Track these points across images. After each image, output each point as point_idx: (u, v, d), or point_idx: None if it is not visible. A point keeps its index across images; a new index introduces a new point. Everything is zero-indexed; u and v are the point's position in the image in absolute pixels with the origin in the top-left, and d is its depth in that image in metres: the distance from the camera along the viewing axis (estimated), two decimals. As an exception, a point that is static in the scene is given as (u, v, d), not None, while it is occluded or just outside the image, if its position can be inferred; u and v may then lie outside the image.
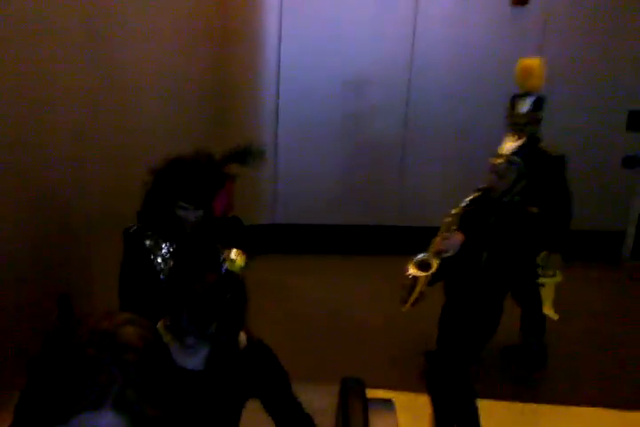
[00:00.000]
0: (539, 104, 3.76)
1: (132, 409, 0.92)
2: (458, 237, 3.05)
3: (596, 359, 4.22)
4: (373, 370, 3.52)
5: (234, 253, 2.76)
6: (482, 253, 3.02)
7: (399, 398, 3.24)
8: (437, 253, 3.07)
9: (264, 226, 5.71)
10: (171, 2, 4.49)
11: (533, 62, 3.84)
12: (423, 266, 3.07)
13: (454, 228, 3.08)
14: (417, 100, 5.71)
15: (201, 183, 2.59)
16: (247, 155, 3.08)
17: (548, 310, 4.79)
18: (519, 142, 3.10)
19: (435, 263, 3.04)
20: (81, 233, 3.52)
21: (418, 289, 3.06)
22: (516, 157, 3.04)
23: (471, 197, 3.10)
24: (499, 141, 3.30)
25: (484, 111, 5.47)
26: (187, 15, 4.68)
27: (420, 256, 3.11)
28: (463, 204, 3.09)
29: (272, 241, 5.56)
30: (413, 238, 4.94)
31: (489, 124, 5.17)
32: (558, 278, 4.72)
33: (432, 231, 3.27)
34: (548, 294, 4.78)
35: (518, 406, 3.61)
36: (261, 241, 4.84)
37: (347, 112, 5.70)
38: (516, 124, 3.69)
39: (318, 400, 3.14)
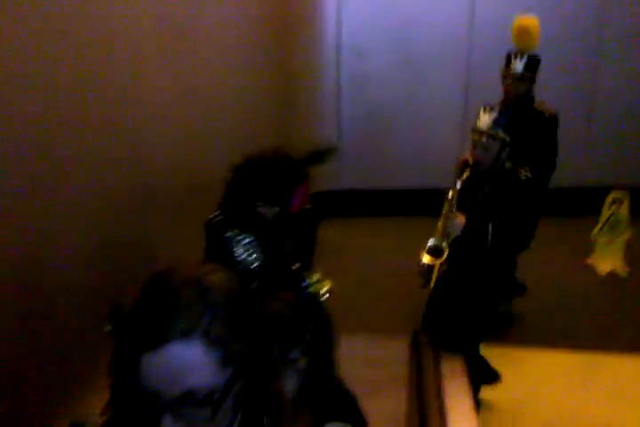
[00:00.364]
0: (534, 64, 3.70)
1: (219, 343, 0.96)
2: (461, 219, 3.04)
3: None
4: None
5: (317, 276, 2.83)
6: (486, 225, 3.03)
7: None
8: (445, 237, 3.05)
9: (331, 192, 5.88)
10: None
11: (530, 21, 3.74)
12: (435, 252, 3.05)
13: (454, 209, 3.05)
14: (475, 82, 5.80)
15: (277, 184, 2.65)
16: (323, 155, 3.13)
17: (618, 267, 4.87)
18: (493, 115, 3.04)
19: (446, 248, 3.01)
20: (167, 223, 3.69)
21: (435, 275, 3.04)
22: (497, 131, 3.03)
23: (464, 177, 3.05)
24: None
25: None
26: (253, 9, 4.83)
27: (431, 243, 3.07)
28: (458, 185, 3.06)
29: (339, 205, 5.75)
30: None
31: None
32: (627, 235, 4.81)
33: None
34: (616, 252, 4.87)
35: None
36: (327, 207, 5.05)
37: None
38: (511, 83, 3.69)
39: (391, 350, 3.32)
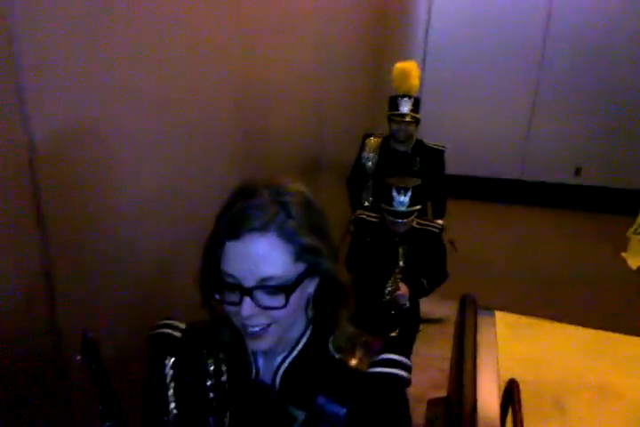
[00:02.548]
0: (417, 105, 3.68)
1: (293, 238, 1.04)
2: (405, 290, 3.03)
3: None
4: (492, 294, 4.28)
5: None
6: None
7: (504, 316, 4.09)
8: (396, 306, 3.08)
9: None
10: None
11: (410, 65, 3.69)
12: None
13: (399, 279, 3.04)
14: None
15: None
16: None
17: (632, 262, 5.40)
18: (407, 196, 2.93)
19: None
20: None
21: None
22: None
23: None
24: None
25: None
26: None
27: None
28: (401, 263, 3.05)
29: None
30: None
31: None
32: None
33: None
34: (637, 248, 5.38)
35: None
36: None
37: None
38: (401, 122, 3.64)
39: (443, 311, 4.02)
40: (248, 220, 1.02)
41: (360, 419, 1.12)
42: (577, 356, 3.92)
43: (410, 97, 3.62)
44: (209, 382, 1.16)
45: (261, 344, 1.10)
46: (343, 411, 1.11)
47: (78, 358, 1.19)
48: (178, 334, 1.23)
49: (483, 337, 2.90)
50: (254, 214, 1.02)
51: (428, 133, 6.28)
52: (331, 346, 1.18)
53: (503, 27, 6.16)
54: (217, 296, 1.09)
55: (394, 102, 3.63)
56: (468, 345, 2.94)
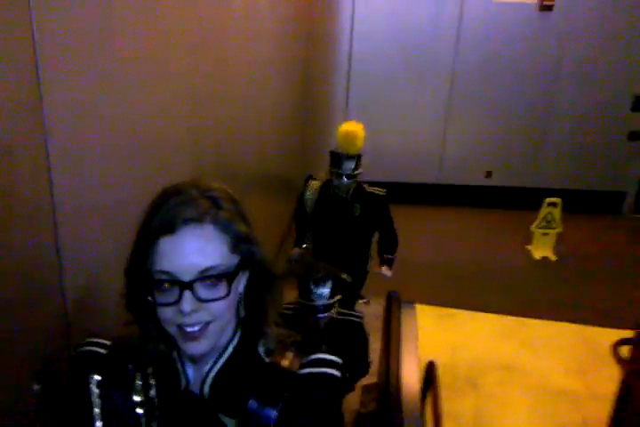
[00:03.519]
0: (359, 161, 3.68)
1: (228, 227, 1.05)
2: None
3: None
4: (415, 289, 4.71)
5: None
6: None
7: (423, 308, 4.55)
8: None
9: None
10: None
11: (356, 129, 3.69)
12: None
13: None
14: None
15: None
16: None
17: (549, 254, 6.01)
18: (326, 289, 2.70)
19: None
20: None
21: None
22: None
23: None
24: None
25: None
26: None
27: None
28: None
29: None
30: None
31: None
32: (559, 229, 5.92)
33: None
34: (549, 243, 6.00)
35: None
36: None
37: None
38: (345, 178, 3.64)
39: (374, 307, 4.43)
40: (183, 212, 1.02)
41: (291, 420, 1.09)
42: (489, 340, 4.43)
43: (353, 157, 3.62)
44: (137, 399, 1.10)
45: (199, 346, 1.07)
46: (274, 414, 1.08)
47: (36, 387, 1.17)
48: (103, 351, 1.18)
49: (405, 328, 3.34)
50: (188, 208, 1.02)
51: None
52: (260, 349, 1.17)
53: (418, 38, 6.61)
54: (150, 299, 1.05)
55: (337, 160, 3.64)
56: (393, 335, 3.37)
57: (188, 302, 1.01)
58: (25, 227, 1.42)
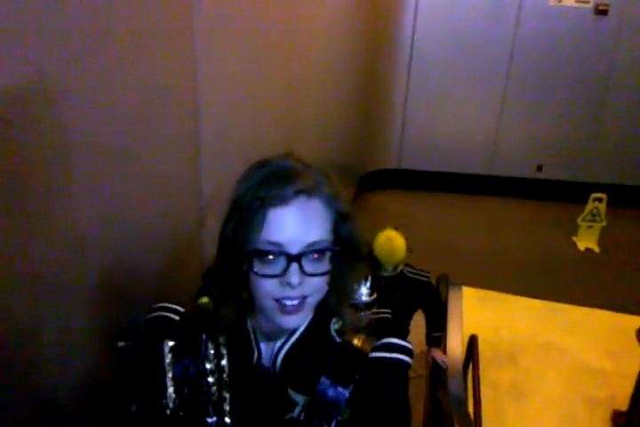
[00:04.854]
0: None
1: (332, 202, 1.05)
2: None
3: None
4: (464, 273, 5.05)
5: None
6: None
7: (470, 290, 4.91)
8: None
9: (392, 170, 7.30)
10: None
11: (394, 237, 3.29)
12: None
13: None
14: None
15: None
16: None
17: (594, 246, 6.25)
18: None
19: None
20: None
21: None
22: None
23: None
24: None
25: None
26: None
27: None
28: None
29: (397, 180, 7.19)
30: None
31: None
32: (603, 223, 6.14)
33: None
34: (594, 235, 6.24)
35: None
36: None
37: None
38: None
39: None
40: (296, 184, 1.00)
41: (361, 403, 1.09)
42: (529, 321, 4.76)
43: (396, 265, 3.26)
44: (208, 366, 1.10)
45: (296, 320, 1.07)
46: (346, 393, 1.08)
47: (121, 344, 1.18)
48: (176, 317, 1.17)
49: (452, 306, 3.73)
50: (300, 180, 1.01)
51: (413, 132, 7.21)
52: (332, 330, 1.16)
53: (477, 37, 6.77)
54: (254, 269, 1.03)
55: (377, 265, 3.23)
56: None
57: (295, 274, 1.01)
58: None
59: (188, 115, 2.04)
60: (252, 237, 1.01)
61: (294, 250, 1.01)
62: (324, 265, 1.05)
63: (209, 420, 1.10)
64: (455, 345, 3.41)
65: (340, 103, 5.45)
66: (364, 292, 2.68)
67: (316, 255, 1.03)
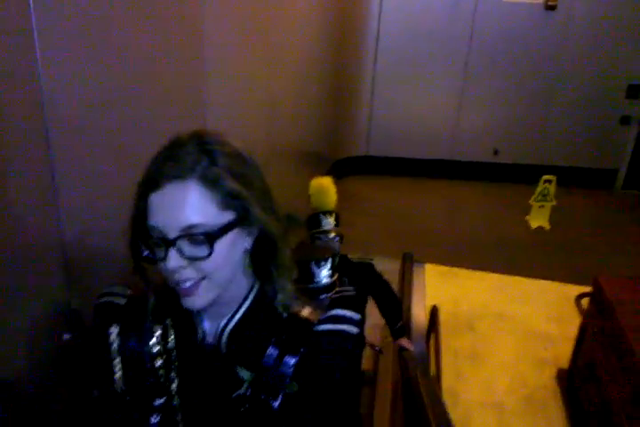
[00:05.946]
0: (338, 220, 3.26)
1: (216, 185, 0.97)
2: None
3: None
4: (427, 251, 5.45)
5: None
6: None
7: (432, 267, 5.30)
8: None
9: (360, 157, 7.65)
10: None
11: (326, 182, 3.33)
12: None
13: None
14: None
15: None
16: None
17: (545, 224, 6.70)
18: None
19: None
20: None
21: None
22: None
23: None
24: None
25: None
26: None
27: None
28: None
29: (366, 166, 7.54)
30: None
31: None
32: (553, 203, 6.57)
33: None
34: (544, 214, 6.69)
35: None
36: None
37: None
38: (325, 239, 3.17)
39: (393, 265, 5.17)
40: (167, 168, 0.97)
41: (307, 375, 1.07)
42: (485, 293, 5.17)
43: (331, 212, 3.24)
44: (156, 349, 1.08)
45: (195, 301, 1.02)
46: (293, 361, 1.06)
47: (66, 336, 1.16)
48: (122, 300, 1.15)
49: (416, 282, 4.12)
50: (175, 163, 0.97)
51: (379, 121, 7.55)
52: (278, 305, 1.12)
53: (437, 31, 7.14)
54: (147, 254, 1.02)
55: (315, 220, 3.20)
56: (406, 287, 4.16)
57: (172, 258, 0.97)
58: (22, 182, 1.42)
59: (196, 114, 2.27)
60: (139, 222, 1.01)
61: (171, 234, 0.97)
62: (205, 249, 0.98)
63: (157, 402, 1.08)
64: (419, 315, 3.79)
65: (313, 98, 5.76)
66: (324, 274, 2.61)
67: (195, 239, 0.98)
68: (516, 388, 4.06)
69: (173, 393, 1.09)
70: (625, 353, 3.07)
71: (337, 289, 2.50)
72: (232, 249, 1.03)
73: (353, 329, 1.11)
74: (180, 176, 0.97)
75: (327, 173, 6.50)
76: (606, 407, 3.21)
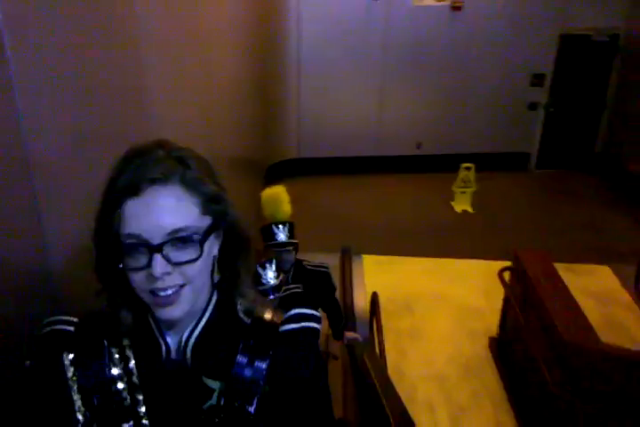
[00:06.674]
0: (292, 230, 3.26)
1: (196, 187, 0.96)
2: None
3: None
4: (363, 243, 5.80)
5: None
6: None
7: (371, 258, 5.63)
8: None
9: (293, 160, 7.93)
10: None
11: (278, 191, 3.36)
12: None
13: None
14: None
15: None
16: None
17: (468, 208, 7.15)
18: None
19: None
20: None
21: None
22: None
23: None
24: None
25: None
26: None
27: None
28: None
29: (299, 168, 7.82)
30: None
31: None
32: (474, 188, 7.05)
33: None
34: (467, 199, 7.13)
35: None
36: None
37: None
38: (282, 251, 3.20)
39: (332, 260, 5.48)
40: (148, 172, 0.93)
41: (279, 377, 1.06)
42: (420, 277, 5.54)
43: (284, 224, 3.25)
44: (116, 372, 1.04)
45: (175, 311, 0.99)
46: (264, 365, 1.05)
47: (28, 363, 1.08)
48: (71, 328, 1.09)
49: (356, 272, 4.45)
50: (154, 167, 0.94)
51: (308, 125, 7.84)
52: (240, 311, 1.11)
53: (354, 35, 7.51)
54: (120, 266, 0.96)
55: (269, 232, 3.21)
56: (347, 278, 4.47)
57: (158, 265, 0.93)
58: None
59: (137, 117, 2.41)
60: (113, 231, 0.95)
61: (155, 240, 0.94)
62: (193, 252, 0.97)
63: (125, 426, 1.03)
64: (360, 302, 4.11)
65: (245, 109, 5.97)
66: (270, 275, 2.66)
67: (181, 243, 0.96)
68: (454, 359, 4.43)
69: (141, 415, 1.04)
70: (544, 316, 3.44)
71: (284, 288, 2.75)
72: (209, 253, 1.02)
73: (316, 325, 1.13)
74: (162, 180, 0.94)
75: (264, 178, 6.88)
76: (531, 364, 3.59)
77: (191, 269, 0.97)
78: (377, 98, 7.86)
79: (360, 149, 8.09)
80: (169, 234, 0.94)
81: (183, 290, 0.98)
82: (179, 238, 0.95)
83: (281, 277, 2.70)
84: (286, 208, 3.36)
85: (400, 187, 7.75)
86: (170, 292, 0.97)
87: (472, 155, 7.65)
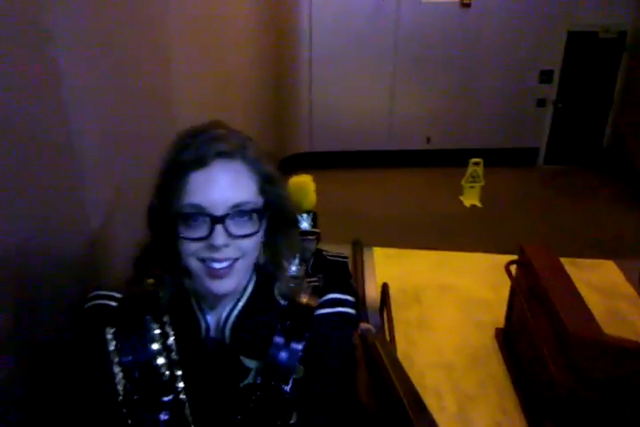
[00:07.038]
0: (315, 220, 3.29)
1: (256, 165, 1.00)
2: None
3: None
4: (373, 235, 5.89)
5: None
6: None
7: (381, 250, 5.74)
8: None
9: (305, 153, 8.03)
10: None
11: (305, 180, 3.36)
12: None
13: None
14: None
15: None
16: None
17: (477, 202, 7.25)
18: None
19: None
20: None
21: None
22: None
23: None
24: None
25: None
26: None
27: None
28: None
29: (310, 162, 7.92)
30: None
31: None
32: (482, 183, 7.14)
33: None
34: (475, 193, 7.23)
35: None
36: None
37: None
38: (304, 240, 3.13)
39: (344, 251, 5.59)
40: (215, 146, 0.96)
41: (314, 359, 1.08)
42: (428, 269, 5.64)
43: (308, 213, 3.28)
44: (156, 347, 1.05)
45: (227, 283, 1.01)
46: (299, 351, 1.06)
47: (68, 336, 1.11)
48: (113, 303, 1.11)
49: (367, 264, 4.55)
50: (220, 143, 0.97)
51: (319, 120, 7.94)
52: (276, 294, 1.13)
53: (365, 31, 7.61)
54: (181, 234, 0.98)
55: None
56: (358, 269, 4.59)
57: (220, 235, 0.96)
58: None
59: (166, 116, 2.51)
60: (174, 202, 0.97)
61: (218, 212, 0.96)
62: (252, 227, 1.00)
63: (164, 399, 1.05)
64: (372, 292, 4.22)
65: (260, 105, 6.11)
66: (294, 269, 2.65)
67: (241, 217, 0.99)
68: (462, 348, 4.55)
69: (179, 390, 1.06)
70: (549, 308, 3.55)
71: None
72: (261, 231, 1.04)
73: (350, 311, 1.14)
74: (227, 155, 0.97)
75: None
76: (536, 355, 3.70)
77: (247, 244, 1.00)
78: (387, 93, 7.95)
79: (371, 143, 8.19)
80: (231, 207, 0.97)
81: (237, 264, 1.01)
82: (240, 212, 0.98)
83: (302, 269, 2.70)
84: (312, 197, 3.37)
85: (410, 181, 7.85)
86: (225, 264, 0.99)
87: (481, 150, 7.75)
